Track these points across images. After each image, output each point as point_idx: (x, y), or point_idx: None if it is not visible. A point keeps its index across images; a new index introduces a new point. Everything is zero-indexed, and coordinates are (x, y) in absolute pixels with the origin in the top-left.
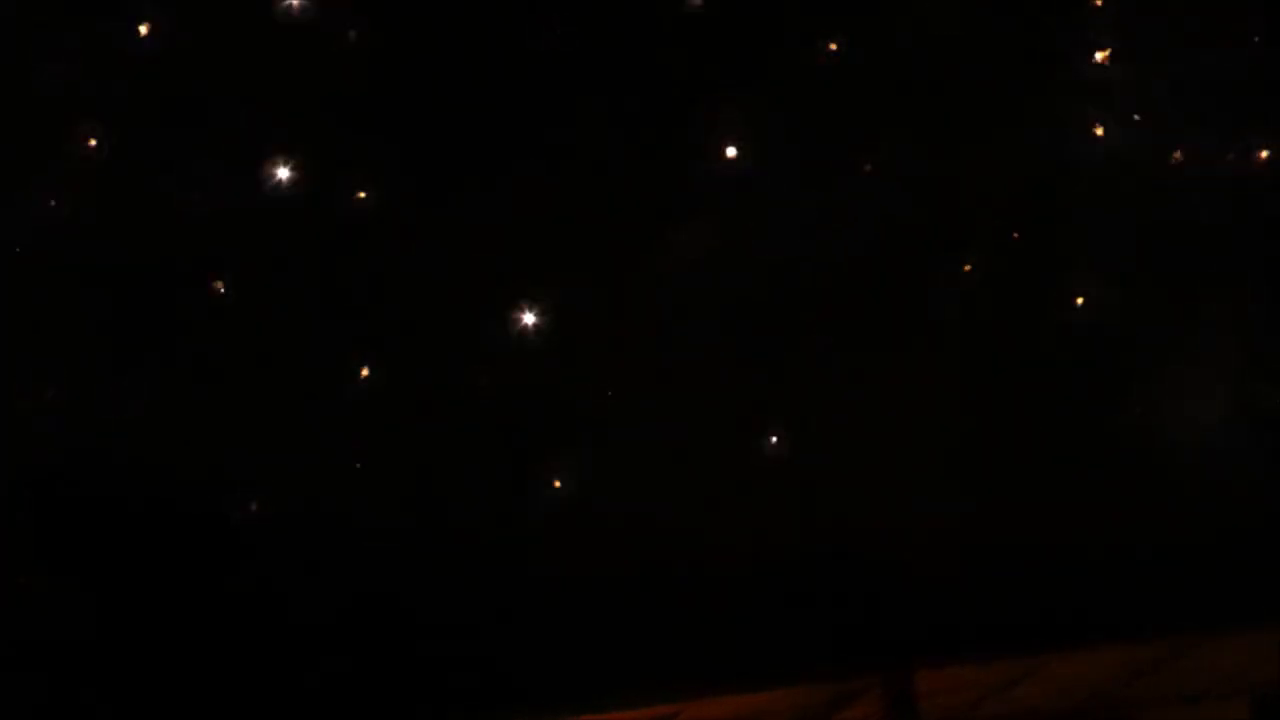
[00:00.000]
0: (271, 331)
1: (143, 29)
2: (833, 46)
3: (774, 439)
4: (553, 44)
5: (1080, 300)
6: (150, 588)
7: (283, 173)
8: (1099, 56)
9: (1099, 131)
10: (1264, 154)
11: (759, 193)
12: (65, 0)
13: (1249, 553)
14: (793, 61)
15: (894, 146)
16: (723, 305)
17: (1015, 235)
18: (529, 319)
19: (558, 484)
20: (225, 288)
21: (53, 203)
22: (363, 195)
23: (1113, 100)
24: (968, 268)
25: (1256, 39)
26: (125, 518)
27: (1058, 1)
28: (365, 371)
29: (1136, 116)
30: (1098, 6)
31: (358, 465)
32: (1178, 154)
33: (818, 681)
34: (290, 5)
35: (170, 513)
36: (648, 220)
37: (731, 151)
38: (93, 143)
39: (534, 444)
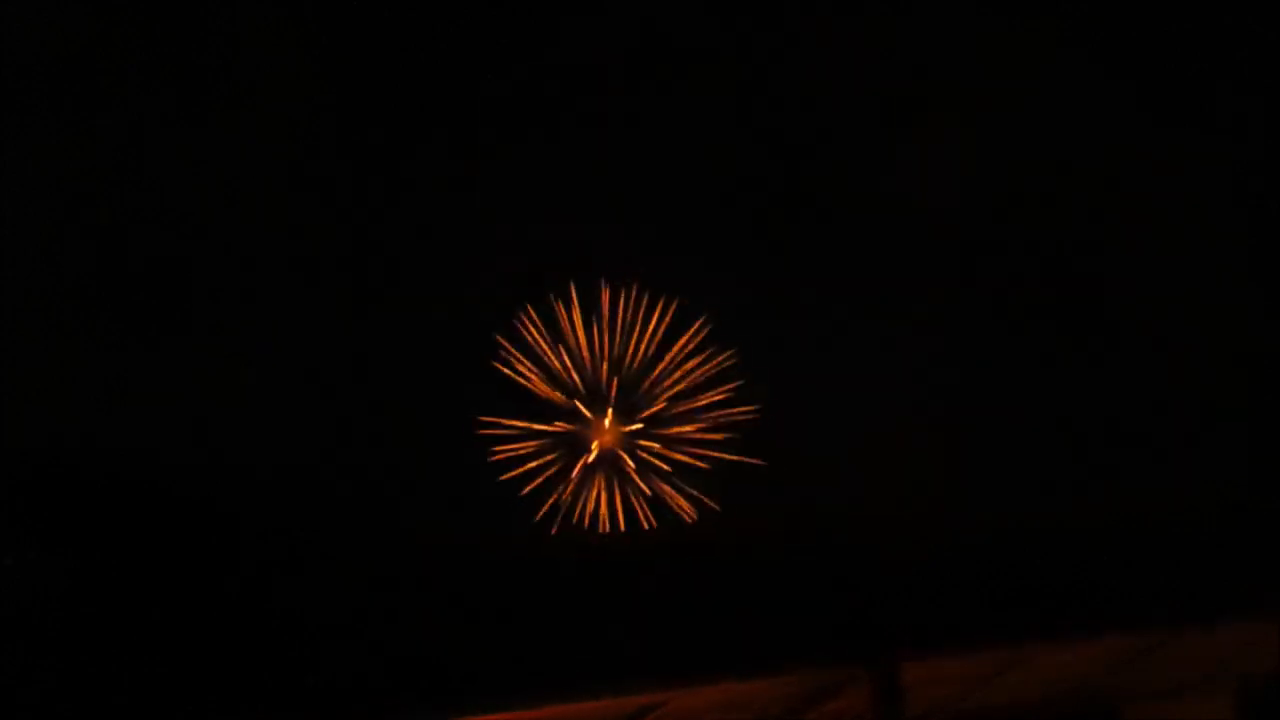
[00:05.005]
0: (271, 330)
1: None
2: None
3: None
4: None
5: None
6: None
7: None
8: None
9: None
10: None
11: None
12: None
13: (1235, 547)
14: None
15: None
16: (719, 302)
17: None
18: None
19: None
20: (224, 286)
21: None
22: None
23: None
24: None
25: None
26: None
27: None
28: (363, 369)
29: None
30: None
31: (355, 462)
32: None
33: (803, 672)
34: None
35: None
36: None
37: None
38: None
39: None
